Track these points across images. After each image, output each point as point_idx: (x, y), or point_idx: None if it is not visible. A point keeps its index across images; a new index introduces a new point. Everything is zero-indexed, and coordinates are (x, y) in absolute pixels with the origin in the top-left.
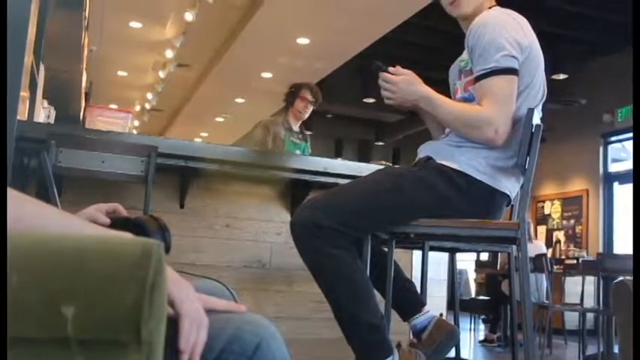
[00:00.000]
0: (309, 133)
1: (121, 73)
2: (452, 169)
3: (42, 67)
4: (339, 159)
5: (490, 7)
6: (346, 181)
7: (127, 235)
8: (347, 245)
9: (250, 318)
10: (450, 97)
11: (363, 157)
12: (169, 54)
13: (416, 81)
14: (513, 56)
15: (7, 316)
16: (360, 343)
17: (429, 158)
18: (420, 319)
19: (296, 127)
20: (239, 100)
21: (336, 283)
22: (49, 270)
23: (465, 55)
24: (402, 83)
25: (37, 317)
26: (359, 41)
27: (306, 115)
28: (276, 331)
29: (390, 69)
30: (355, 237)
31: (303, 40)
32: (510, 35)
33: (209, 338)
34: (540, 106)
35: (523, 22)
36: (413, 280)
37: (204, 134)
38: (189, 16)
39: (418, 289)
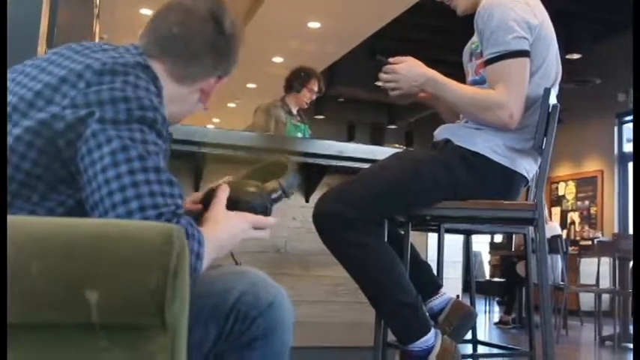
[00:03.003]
0: (321, 117)
1: None
2: (470, 151)
3: None
4: (353, 142)
5: None
6: (361, 164)
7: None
8: (373, 231)
9: (264, 277)
10: (465, 79)
11: (376, 140)
12: None
13: (418, 64)
14: (523, 37)
15: (29, 303)
16: (399, 324)
17: (447, 141)
18: (437, 302)
19: (294, 110)
20: (250, 86)
21: (369, 270)
22: (69, 256)
23: (475, 38)
24: (404, 69)
25: (60, 303)
26: (370, 24)
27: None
28: (287, 295)
29: (390, 59)
30: (378, 221)
31: (314, 24)
32: (519, 16)
33: (223, 290)
34: (557, 86)
35: (532, 0)
36: (428, 262)
37: (217, 120)
38: None
39: (434, 272)
